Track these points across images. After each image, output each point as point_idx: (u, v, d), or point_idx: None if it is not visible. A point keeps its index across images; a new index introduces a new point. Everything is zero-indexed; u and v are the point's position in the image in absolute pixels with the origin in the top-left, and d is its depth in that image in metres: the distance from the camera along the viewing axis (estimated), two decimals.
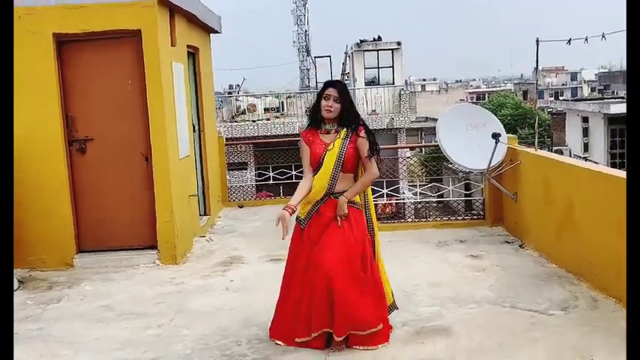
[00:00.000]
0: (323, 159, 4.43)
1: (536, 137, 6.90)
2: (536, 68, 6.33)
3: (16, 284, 6.09)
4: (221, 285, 6.08)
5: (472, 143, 7.11)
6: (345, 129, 4.47)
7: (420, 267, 6.41)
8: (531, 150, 6.85)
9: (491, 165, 7.07)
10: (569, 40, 5.66)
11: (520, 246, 6.95)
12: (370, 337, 4.36)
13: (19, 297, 5.87)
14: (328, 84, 4.54)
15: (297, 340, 4.41)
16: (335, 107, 4.41)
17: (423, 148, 26.37)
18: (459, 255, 6.81)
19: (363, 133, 4.46)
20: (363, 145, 4.45)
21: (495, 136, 6.83)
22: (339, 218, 4.39)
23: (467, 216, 8.48)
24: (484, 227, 8.00)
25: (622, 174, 5.39)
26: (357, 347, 4.34)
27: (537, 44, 6.28)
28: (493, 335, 4.57)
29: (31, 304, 5.70)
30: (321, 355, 4.32)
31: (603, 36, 5.39)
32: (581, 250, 5.68)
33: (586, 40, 5.54)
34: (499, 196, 7.78)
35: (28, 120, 6.60)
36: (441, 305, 5.21)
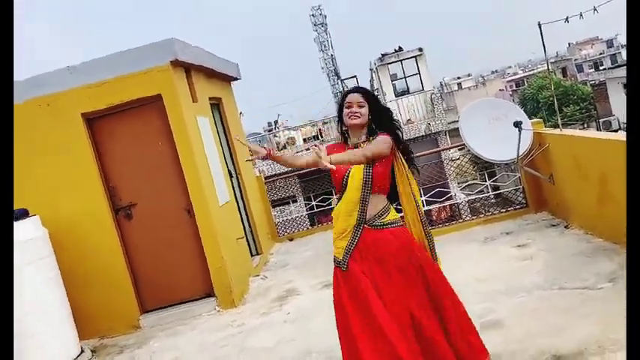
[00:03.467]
0: (346, 181, 3.60)
1: (559, 117, 6.91)
2: (545, 51, 6.36)
3: (89, 354, 6.42)
4: (279, 319, 6.28)
5: (498, 135, 7.15)
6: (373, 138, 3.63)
7: (469, 265, 6.47)
8: (557, 131, 6.87)
9: (520, 153, 7.10)
10: (567, 19, 5.73)
11: (565, 227, 6.93)
12: None
13: None
14: (347, 92, 3.76)
15: None
16: (361, 112, 3.63)
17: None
18: (506, 247, 6.85)
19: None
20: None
21: (517, 124, 6.88)
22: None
23: (510, 207, 8.48)
24: (529, 215, 7.99)
25: None
26: None
27: (540, 27, 6.35)
28: (545, 319, 4.63)
29: None
30: None
31: (595, 9, 5.46)
32: (622, 218, 5.64)
33: (581, 15, 5.61)
34: (537, 181, 7.78)
35: (73, 199, 6.97)
36: (492, 300, 5.27)
